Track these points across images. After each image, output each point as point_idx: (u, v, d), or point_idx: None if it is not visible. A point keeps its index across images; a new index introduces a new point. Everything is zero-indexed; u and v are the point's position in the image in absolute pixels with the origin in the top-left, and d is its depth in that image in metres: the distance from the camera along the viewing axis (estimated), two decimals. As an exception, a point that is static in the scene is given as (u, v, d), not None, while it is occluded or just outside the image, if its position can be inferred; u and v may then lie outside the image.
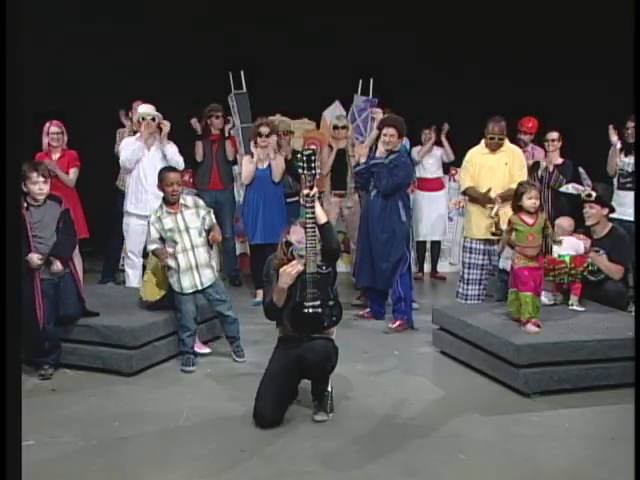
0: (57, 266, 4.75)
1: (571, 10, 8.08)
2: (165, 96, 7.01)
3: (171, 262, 5.00)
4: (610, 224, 5.77)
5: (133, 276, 6.63)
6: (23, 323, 4.51)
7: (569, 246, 5.38)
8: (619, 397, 4.43)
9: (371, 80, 8.03)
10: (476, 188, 6.16)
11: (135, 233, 6.55)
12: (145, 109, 6.55)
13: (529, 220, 4.83)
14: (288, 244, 4.19)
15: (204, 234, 5.11)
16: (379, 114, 6.80)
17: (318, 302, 4.11)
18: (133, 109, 7.28)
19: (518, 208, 4.92)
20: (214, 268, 5.20)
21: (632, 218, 6.24)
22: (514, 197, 5.02)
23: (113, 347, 4.85)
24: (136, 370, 4.84)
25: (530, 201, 4.84)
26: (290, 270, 4.03)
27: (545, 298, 5.21)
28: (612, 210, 5.89)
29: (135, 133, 7.02)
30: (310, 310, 4.10)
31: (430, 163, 8.14)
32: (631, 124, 6.63)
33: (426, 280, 8.35)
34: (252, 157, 6.78)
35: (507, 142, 6.28)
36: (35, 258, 4.63)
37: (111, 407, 4.31)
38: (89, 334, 4.90)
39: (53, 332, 4.78)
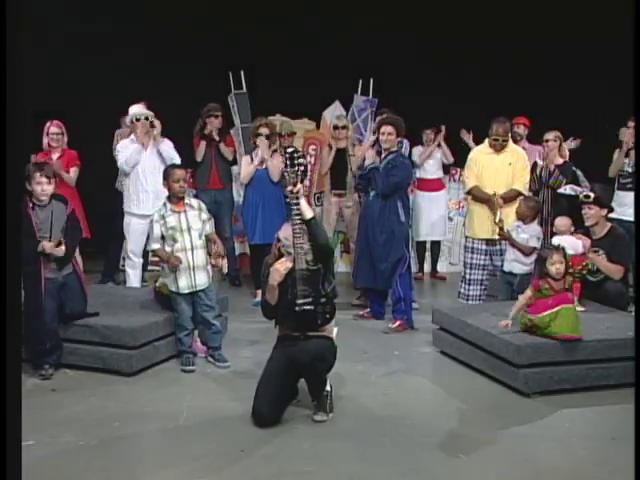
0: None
1: (571, 10, 8.08)
2: (165, 96, 7.02)
3: (167, 264, 5.00)
4: (609, 224, 5.77)
5: (134, 276, 6.62)
6: (28, 322, 4.55)
7: (567, 245, 5.37)
8: (619, 397, 4.43)
9: (371, 80, 8.02)
10: (481, 188, 6.17)
11: (136, 233, 6.55)
12: (137, 109, 6.54)
13: (555, 286, 4.65)
14: (279, 240, 4.20)
15: (204, 237, 5.11)
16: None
17: (309, 299, 4.10)
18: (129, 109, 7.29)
19: (544, 274, 4.69)
20: (209, 273, 5.15)
21: (632, 218, 6.25)
22: (538, 263, 4.85)
23: (113, 347, 4.85)
24: (136, 370, 4.83)
25: (553, 267, 4.63)
26: (279, 267, 4.05)
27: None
28: (611, 210, 5.89)
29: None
30: (302, 308, 4.09)
31: (430, 164, 8.13)
32: (631, 124, 6.63)
33: (426, 280, 8.35)
34: (251, 157, 6.79)
35: (511, 143, 6.30)
36: (48, 246, 4.64)
37: (111, 407, 4.31)
38: (89, 334, 4.90)
39: (56, 332, 4.79)
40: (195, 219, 5.06)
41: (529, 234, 5.80)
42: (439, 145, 8.09)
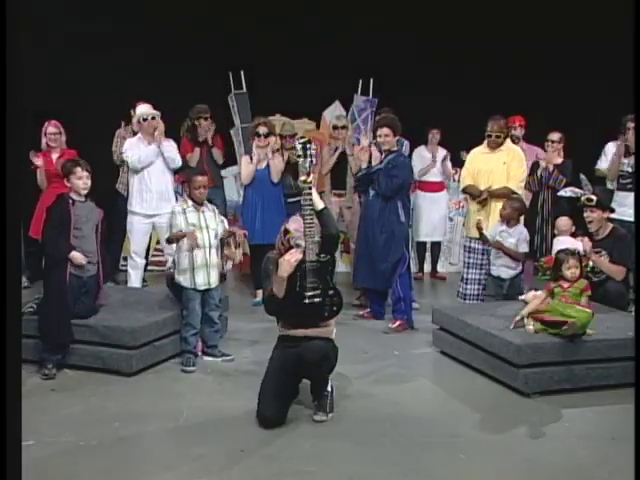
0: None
1: (571, 10, 8.08)
2: (165, 96, 7.01)
3: (186, 259, 5.04)
4: (610, 225, 5.77)
5: (135, 276, 6.63)
6: (48, 315, 4.67)
7: (567, 246, 5.38)
8: (619, 397, 4.43)
9: (371, 80, 8.02)
10: (474, 186, 6.22)
11: (139, 233, 6.56)
12: (145, 109, 6.57)
13: (565, 284, 4.69)
14: (286, 232, 4.18)
15: (218, 238, 5.19)
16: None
17: (318, 291, 4.08)
18: (135, 109, 7.28)
19: (558, 277, 4.74)
20: (219, 273, 5.23)
21: (632, 219, 6.25)
22: (554, 266, 4.85)
23: (113, 347, 4.84)
24: (136, 370, 4.83)
25: (569, 271, 4.68)
26: (289, 258, 4.00)
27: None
28: (612, 211, 5.90)
29: (135, 134, 7.03)
30: (310, 300, 4.07)
31: (436, 165, 8.12)
32: (631, 124, 6.63)
33: (426, 280, 8.35)
34: (251, 158, 6.79)
35: (508, 142, 6.31)
36: (79, 257, 4.77)
37: (111, 407, 4.30)
38: (89, 334, 4.89)
39: (69, 329, 4.80)
40: (212, 219, 5.16)
41: (516, 238, 5.80)
42: (443, 144, 8.12)
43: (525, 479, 3.54)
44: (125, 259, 7.83)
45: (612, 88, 7.48)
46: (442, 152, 8.15)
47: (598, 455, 3.75)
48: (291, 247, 4.11)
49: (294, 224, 4.16)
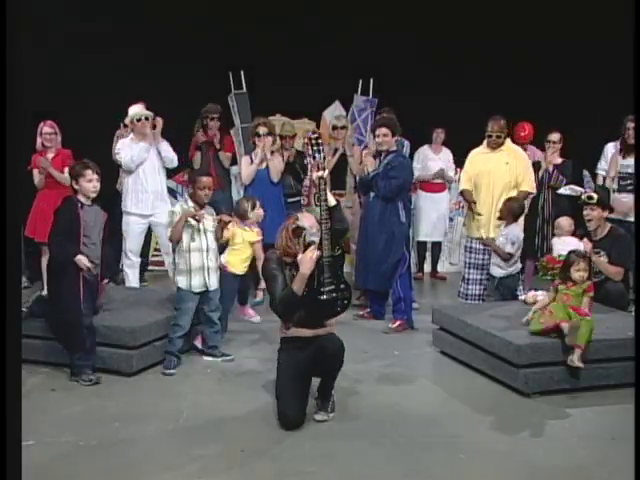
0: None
1: (571, 10, 8.08)
2: (165, 96, 7.01)
3: (184, 260, 5.03)
4: (609, 224, 5.77)
5: (132, 275, 6.63)
6: (68, 323, 4.60)
7: (568, 246, 5.38)
8: (619, 397, 4.44)
9: (371, 80, 8.02)
10: (471, 191, 6.25)
11: (135, 233, 6.56)
12: (137, 110, 6.55)
13: (569, 283, 4.68)
14: (298, 230, 4.13)
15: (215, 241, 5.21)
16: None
17: (333, 287, 4.09)
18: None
19: (566, 277, 4.70)
20: (218, 275, 5.23)
21: (632, 219, 6.25)
22: (563, 267, 4.79)
23: (113, 347, 4.84)
24: (136, 370, 4.83)
25: (578, 273, 4.65)
26: (311, 255, 3.97)
27: (543, 297, 5.20)
28: (611, 210, 5.89)
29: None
30: (328, 296, 4.07)
31: (437, 166, 8.11)
32: (631, 124, 6.63)
33: (426, 280, 8.36)
34: (251, 158, 6.79)
35: (509, 142, 6.30)
36: (84, 260, 4.63)
37: (111, 407, 4.30)
38: (89, 334, 4.89)
39: (93, 329, 4.78)
40: (210, 223, 5.16)
41: (505, 237, 5.80)
42: (446, 144, 8.14)
43: (525, 479, 3.53)
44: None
45: (612, 88, 7.48)
46: (446, 152, 8.14)
47: (598, 455, 3.75)
48: (306, 244, 4.08)
49: (307, 221, 4.14)
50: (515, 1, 8.27)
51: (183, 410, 4.25)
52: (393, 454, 3.72)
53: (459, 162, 6.88)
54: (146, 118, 6.51)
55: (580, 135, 7.25)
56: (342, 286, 4.13)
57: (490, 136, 6.13)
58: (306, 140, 4.23)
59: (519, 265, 5.96)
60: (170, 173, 7.24)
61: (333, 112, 8.17)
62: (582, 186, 6.26)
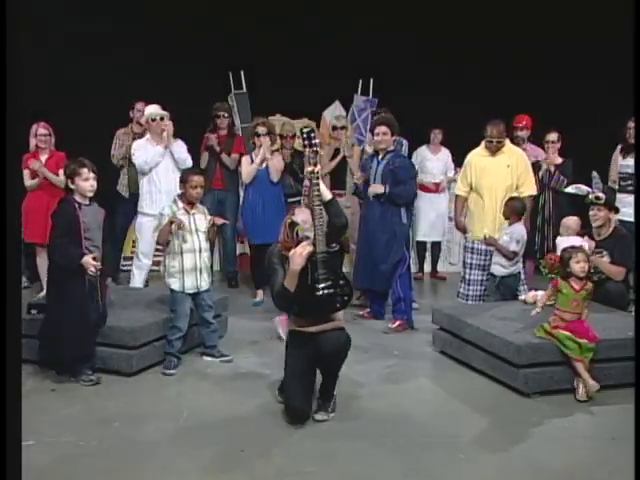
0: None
1: (571, 10, 8.08)
2: (165, 96, 7.01)
3: (176, 262, 5.01)
4: (613, 225, 5.77)
5: (139, 277, 6.63)
6: (73, 326, 4.52)
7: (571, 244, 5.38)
8: (619, 397, 4.43)
9: (371, 80, 8.03)
10: (464, 199, 6.29)
11: (148, 233, 6.56)
12: (153, 109, 6.58)
13: (576, 286, 4.62)
14: (293, 225, 4.12)
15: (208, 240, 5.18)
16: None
17: (330, 283, 4.03)
18: (135, 110, 7.29)
19: (567, 274, 4.66)
20: (210, 274, 5.23)
21: (632, 219, 6.25)
22: (561, 264, 4.77)
23: (113, 347, 4.84)
24: (136, 370, 4.83)
25: (578, 265, 4.59)
26: (301, 251, 3.94)
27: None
28: (617, 211, 5.90)
29: (135, 135, 7.03)
30: (323, 292, 4.01)
31: (435, 167, 8.09)
32: (632, 124, 6.63)
33: (426, 280, 8.35)
34: (251, 158, 6.80)
35: (508, 143, 6.28)
36: (92, 263, 4.50)
37: (111, 407, 4.30)
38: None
39: (94, 338, 4.73)
40: (202, 222, 5.12)
41: (509, 236, 5.80)
42: (445, 144, 8.15)
43: (525, 479, 3.53)
44: (125, 259, 7.85)
45: (612, 88, 7.48)
46: (445, 152, 8.13)
47: (598, 455, 3.75)
48: (299, 240, 4.06)
49: (302, 216, 4.11)
50: (515, 1, 8.28)
51: (183, 410, 4.25)
52: (393, 454, 3.72)
53: (459, 162, 6.87)
54: (161, 118, 6.53)
55: (580, 135, 7.26)
56: (341, 282, 4.07)
57: (491, 141, 6.09)
58: (299, 135, 4.20)
59: (520, 265, 5.96)
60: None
61: (333, 112, 8.18)
62: (590, 186, 6.26)
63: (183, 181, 5.15)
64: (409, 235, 6.43)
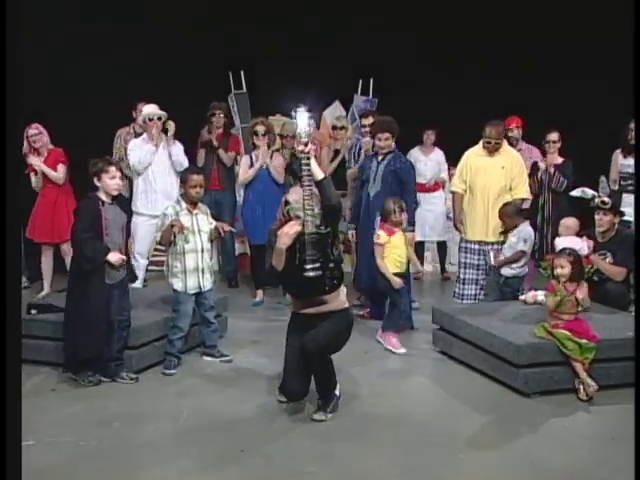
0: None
1: (571, 10, 8.08)
2: (165, 96, 7.02)
3: (178, 262, 5.01)
4: (616, 228, 5.77)
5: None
6: (93, 327, 4.50)
7: (572, 246, 5.38)
8: (619, 397, 4.43)
9: (371, 80, 8.03)
10: (461, 196, 6.28)
11: (143, 233, 6.57)
12: (150, 109, 6.58)
13: (570, 288, 4.64)
14: (286, 203, 4.13)
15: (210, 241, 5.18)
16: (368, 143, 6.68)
17: (318, 264, 4.00)
18: (138, 110, 7.29)
19: (556, 278, 4.69)
20: (212, 274, 5.23)
21: (632, 218, 6.25)
22: (551, 267, 4.80)
23: (113, 347, 4.84)
24: (136, 370, 4.83)
25: (557, 269, 4.64)
26: (288, 230, 3.94)
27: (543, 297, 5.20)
28: (622, 216, 5.90)
29: (137, 135, 7.03)
30: (310, 273, 3.99)
31: (426, 169, 8.06)
32: (631, 124, 6.63)
33: (426, 280, 8.35)
34: (251, 158, 6.80)
35: (505, 145, 6.30)
36: (118, 258, 4.52)
37: (111, 407, 4.30)
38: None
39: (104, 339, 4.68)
40: (204, 222, 5.12)
41: (517, 237, 5.79)
42: (439, 145, 8.13)
43: (525, 479, 3.53)
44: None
45: (612, 88, 7.48)
46: (438, 153, 8.11)
47: (598, 455, 3.75)
48: (291, 219, 4.05)
49: (294, 195, 4.10)
50: (515, 1, 8.28)
51: (183, 410, 4.25)
52: (393, 454, 3.72)
53: (457, 161, 6.89)
54: (159, 118, 6.53)
55: (580, 135, 7.26)
56: (331, 265, 4.04)
57: (489, 142, 6.10)
58: (292, 113, 4.05)
59: (527, 268, 5.95)
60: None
61: (333, 112, 8.18)
62: (593, 188, 6.25)
63: (183, 181, 5.16)
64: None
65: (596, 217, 5.72)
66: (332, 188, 4.09)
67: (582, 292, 4.62)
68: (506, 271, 5.82)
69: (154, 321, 5.05)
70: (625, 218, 6.32)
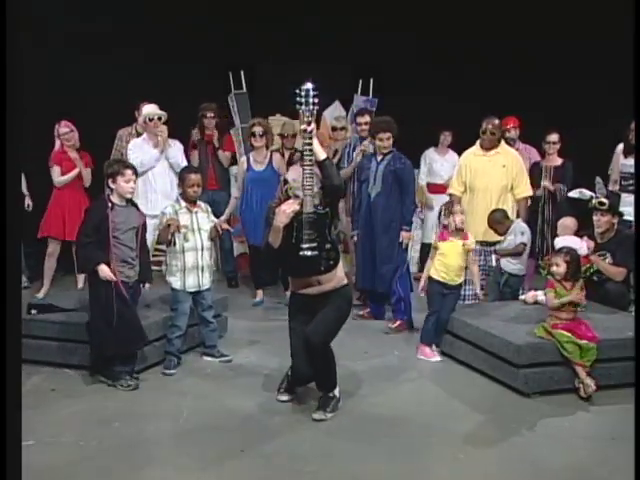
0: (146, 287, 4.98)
1: (571, 10, 8.08)
2: (165, 96, 7.01)
3: (177, 261, 5.01)
4: (616, 228, 5.77)
5: None
6: (116, 324, 4.51)
7: (571, 245, 5.38)
8: (619, 397, 4.43)
9: (371, 80, 8.01)
10: (459, 198, 6.28)
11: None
12: (151, 109, 6.58)
13: (567, 285, 4.67)
14: (285, 182, 4.12)
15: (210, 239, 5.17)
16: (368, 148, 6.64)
17: (315, 244, 3.99)
18: (140, 110, 7.28)
19: (552, 277, 4.73)
20: (211, 273, 5.24)
21: (632, 218, 6.25)
22: (549, 266, 4.84)
23: (113, 347, 4.83)
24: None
25: (553, 267, 4.68)
26: (286, 209, 3.93)
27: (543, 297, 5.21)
28: (621, 216, 5.90)
29: (139, 135, 7.02)
30: (307, 253, 3.98)
31: (442, 169, 8.04)
32: (632, 124, 6.62)
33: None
34: (248, 159, 6.81)
35: (504, 144, 6.30)
36: (106, 272, 4.46)
37: (111, 407, 4.30)
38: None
39: (141, 333, 4.71)
40: (204, 220, 5.12)
41: (513, 233, 5.79)
42: (453, 147, 8.10)
43: (525, 479, 3.53)
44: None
45: (612, 88, 7.48)
46: (452, 154, 8.09)
47: (598, 455, 3.75)
48: (289, 198, 4.04)
49: (293, 174, 4.10)
50: (515, 1, 8.27)
51: (183, 410, 4.25)
52: (393, 454, 3.72)
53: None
54: (159, 118, 6.53)
55: (580, 135, 7.26)
56: (327, 246, 4.04)
57: (484, 132, 6.10)
58: (297, 90, 4.01)
59: (524, 267, 5.95)
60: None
61: (333, 112, 8.16)
62: (593, 190, 6.25)
63: (181, 180, 5.17)
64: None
65: (594, 218, 5.72)
66: (334, 168, 4.10)
67: (574, 296, 4.62)
68: (508, 266, 5.80)
69: (154, 321, 5.05)
70: (625, 218, 6.33)
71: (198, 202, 5.16)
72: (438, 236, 5.46)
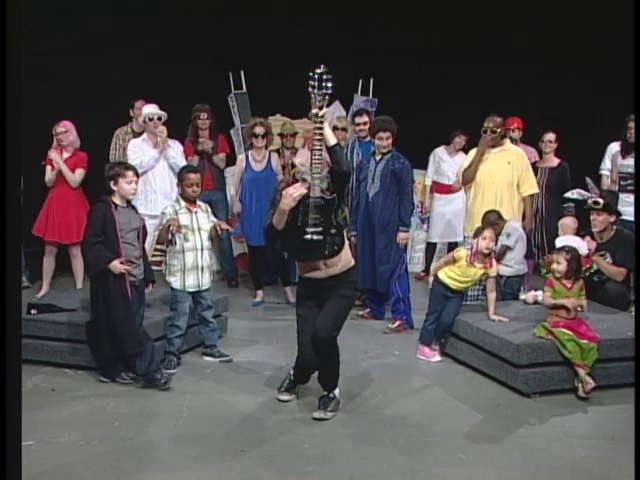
0: (149, 289, 4.97)
1: (571, 10, 8.08)
2: (165, 96, 7.02)
3: (177, 261, 5.02)
4: (615, 228, 5.77)
5: None
6: (117, 327, 4.52)
7: (573, 244, 5.37)
8: (619, 397, 4.44)
9: (371, 80, 8.02)
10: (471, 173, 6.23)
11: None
12: (151, 109, 6.59)
13: (568, 284, 4.70)
14: (293, 165, 4.13)
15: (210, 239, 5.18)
16: None
17: (320, 229, 3.99)
18: (135, 108, 7.29)
19: (553, 275, 4.76)
20: (211, 274, 5.24)
21: (632, 218, 6.25)
22: (548, 264, 4.86)
23: (113, 347, 4.83)
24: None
25: (553, 265, 4.71)
26: (293, 192, 3.92)
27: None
28: (619, 215, 5.90)
29: (135, 134, 7.02)
30: (311, 237, 3.98)
31: (450, 169, 8.00)
32: (632, 124, 6.62)
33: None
34: (246, 157, 6.80)
35: (508, 142, 6.30)
36: (119, 267, 4.50)
37: (111, 407, 4.30)
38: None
39: (145, 335, 4.73)
40: (204, 220, 5.12)
41: (505, 234, 5.78)
42: (465, 150, 8.06)
43: (525, 479, 3.53)
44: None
45: (612, 88, 7.48)
46: (462, 156, 8.05)
47: (598, 455, 3.75)
48: (296, 181, 4.04)
49: (300, 158, 4.11)
50: (515, 1, 8.28)
51: (183, 410, 4.25)
52: (393, 454, 3.72)
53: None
54: (158, 118, 6.53)
55: (580, 135, 7.27)
56: (333, 231, 4.03)
57: (485, 131, 6.11)
58: (310, 74, 4.00)
59: (525, 267, 5.95)
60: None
61: (333, 112, 8.15)
62: (588, 191, 6.26)
63: (180, 179, 5.17)
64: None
65: (591, 218, 5.74)
66: (343, 154, 4.11)
67: (568, 302, 4.63)
68: (504, 270, 5.81)
69: (153, 321, 5.05)
70: (625, 218, 6.33)
71: (198, 202, 5.16)
72: (468, 255, 5.21)
